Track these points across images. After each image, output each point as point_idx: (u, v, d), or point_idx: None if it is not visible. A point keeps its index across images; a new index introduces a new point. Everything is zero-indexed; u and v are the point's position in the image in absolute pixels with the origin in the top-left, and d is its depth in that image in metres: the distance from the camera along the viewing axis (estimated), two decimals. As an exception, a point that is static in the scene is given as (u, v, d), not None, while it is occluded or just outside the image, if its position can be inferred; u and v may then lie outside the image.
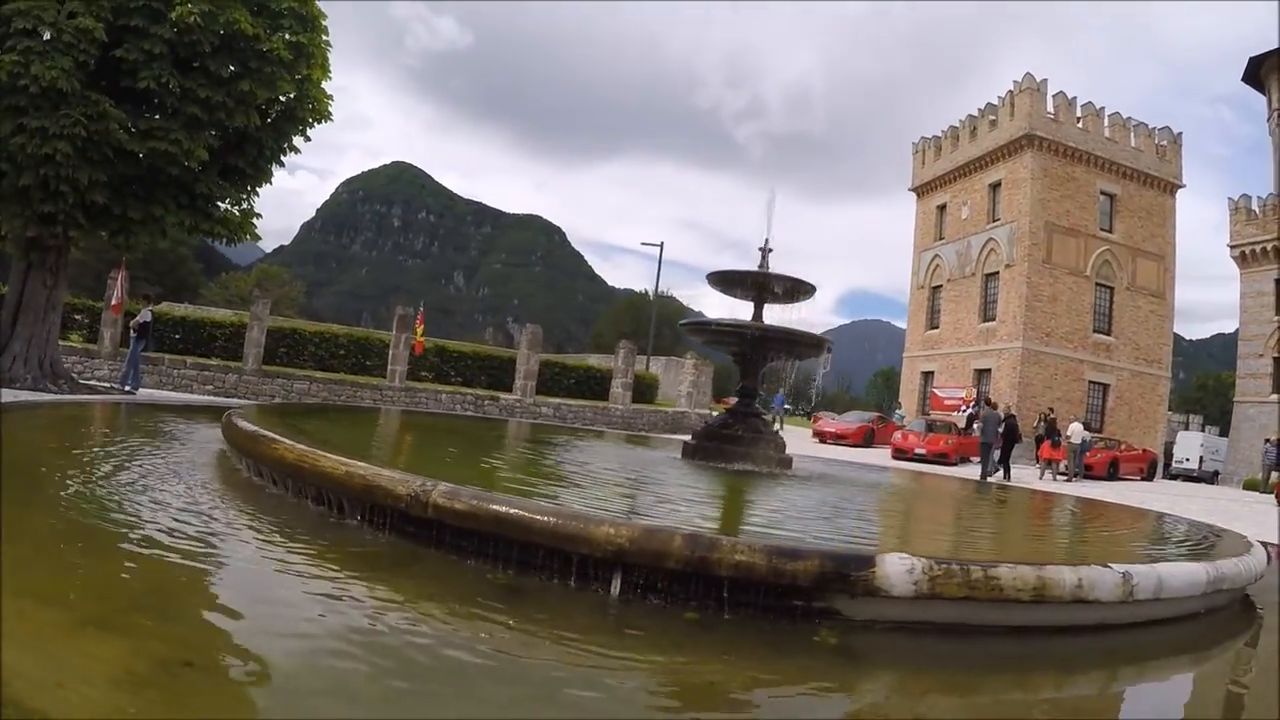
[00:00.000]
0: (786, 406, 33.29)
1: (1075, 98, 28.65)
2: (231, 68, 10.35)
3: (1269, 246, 29.85)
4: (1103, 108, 29.01)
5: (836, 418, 30.74)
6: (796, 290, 6.42)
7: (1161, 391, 29.95)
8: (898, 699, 1.96)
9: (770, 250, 6.50)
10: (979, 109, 30.88)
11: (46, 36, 9.13)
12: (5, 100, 9.17)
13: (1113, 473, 21.62)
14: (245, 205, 12.05)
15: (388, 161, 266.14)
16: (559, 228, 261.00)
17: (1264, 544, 3.83)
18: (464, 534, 2.37)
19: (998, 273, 28.55)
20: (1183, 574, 2.66)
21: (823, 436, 25.56)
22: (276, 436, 3.20)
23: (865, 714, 1.87)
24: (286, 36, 10.75)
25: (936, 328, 32.20)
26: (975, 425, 21.18)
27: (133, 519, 2.53)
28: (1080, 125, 28.53)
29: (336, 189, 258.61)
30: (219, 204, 11.47)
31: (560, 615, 2.06)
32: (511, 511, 2.29)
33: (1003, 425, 16.96)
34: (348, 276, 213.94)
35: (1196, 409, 52.28)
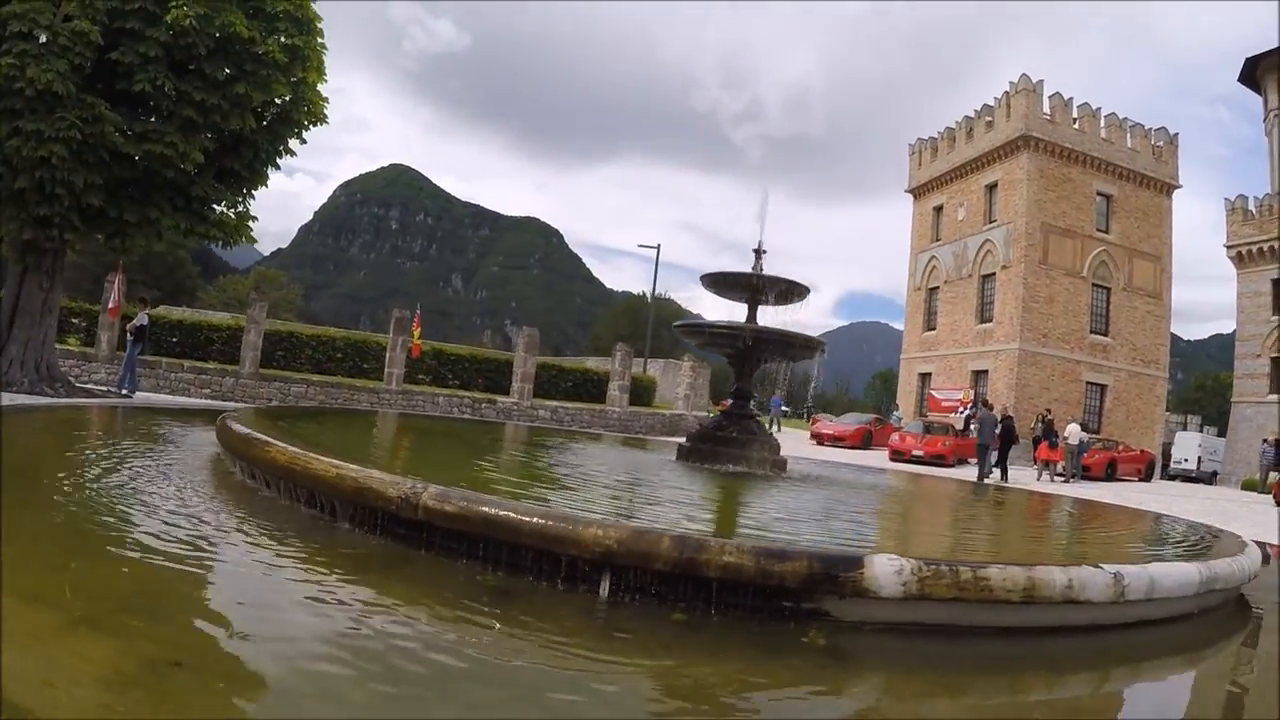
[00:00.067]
0: (784, 409, 33.28)
1: (1071, 98, 28.72)
2: (227, 70, 10.36)
3: (1266, 246, 29.86)
4: (1099, 108, 29.08)
5: (834, 420, 30.68)
6: (790, 292, 6.40)
7: (1159, 392, 30.00)
8: (887, 700, 1.97)
9: (764, 252, 6.48)
10: (975, 110, 30.91)
11: (42, 39, 9.14)
12: (1, 103, 9.18)
13: (1110, 474, 21.63)
14: (241, 208, 12.03)
15: (386, 164, 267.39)
16: (557, 230, 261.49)
17: (1260, 544, 3.83)
18: (454, 536, 2.38)
19: (994, 274, 28.57)
20: (1175, 574, 2.66)
21: (820, 438, 25.55)
22: (269, 439, 3.21)
23: (854, 716, 1.87)
24: (282, 39, 10.75)
25: (933, 329, 32.20)
26: (972, 427, 21.21)
27: (125, 521, 2.54)
28: (1076, 126, 28.58)
29: (334, 192, 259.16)
30: (214, 207, 11.46)
31: (549, 617, 2.06)
32: (501, 513, 2.29)
33: (1000, 426, 16.99)
34: (345, 279, 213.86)
35: (1194, 409, 52.26)
